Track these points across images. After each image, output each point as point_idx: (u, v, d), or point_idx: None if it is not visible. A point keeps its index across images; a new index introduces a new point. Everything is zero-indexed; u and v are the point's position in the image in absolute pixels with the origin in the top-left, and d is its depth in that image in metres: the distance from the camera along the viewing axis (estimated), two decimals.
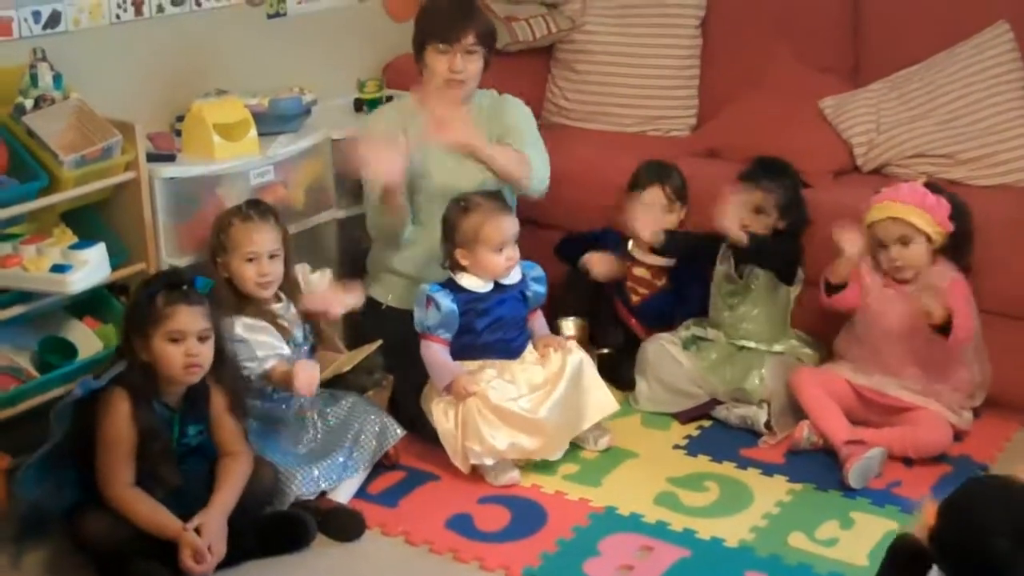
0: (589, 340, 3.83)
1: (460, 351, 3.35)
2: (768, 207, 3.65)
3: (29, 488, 2.83)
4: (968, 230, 3.45)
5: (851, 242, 3.44)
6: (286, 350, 3.21)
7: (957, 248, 3.44)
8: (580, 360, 3.42)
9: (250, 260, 3.21)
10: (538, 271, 3.47)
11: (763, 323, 3.72)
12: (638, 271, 3.89)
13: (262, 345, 3.17)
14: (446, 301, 3.28)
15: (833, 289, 3.52)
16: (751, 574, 2.90)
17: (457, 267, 3.36)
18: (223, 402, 2.98)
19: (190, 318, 2.84)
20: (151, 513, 2.81)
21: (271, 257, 3.23)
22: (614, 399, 3.48)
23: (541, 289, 3.46)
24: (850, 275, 3.50)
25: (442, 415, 3.29)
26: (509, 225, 3.35)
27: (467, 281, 3.35)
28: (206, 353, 2.88)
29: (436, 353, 3.31)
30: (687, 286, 3.85)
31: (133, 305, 2.93)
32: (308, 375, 3.11)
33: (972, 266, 3.47)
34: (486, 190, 3.46)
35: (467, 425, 3.24)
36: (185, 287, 2.88)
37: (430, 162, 3.60)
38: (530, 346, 3.44)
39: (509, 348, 3.39)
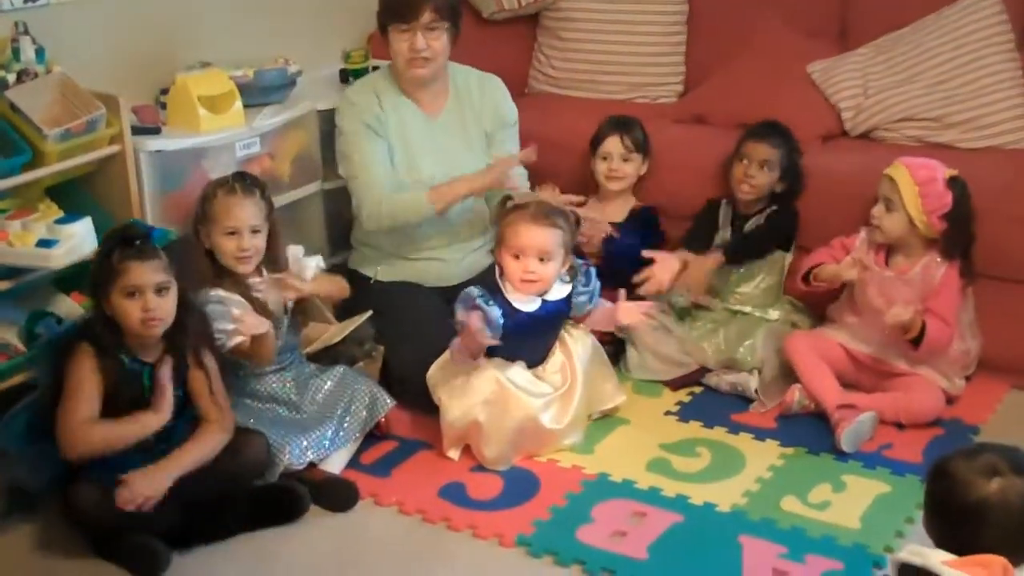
0: None
1: (488, 349, 3.24)
2: (774, 163, 3.70)
3: (11, 439, 2.85)
4: (964, 235, 3.38)
5: (849, 267, 3.46)
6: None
7: (948, 249, 3.39)
8: (591, 347, 3.39)
9: (231, 234, 3.18)
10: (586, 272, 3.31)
11: (760, 288, 3.73)
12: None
13: (232, 320, 3.13)
14: (494, 311, 3.14)
15: (811, 280, 3.55)
16: (744, 538, 2.90)
17: (503, 273, 3.26)
18: (192, 355, 2.97)
19: (144, 272, 2.83)
20: (115, 428, 2.81)
21: (253, 232, 3.20)
22: (622, 391, 3.50)
23: (588, 288, 3.29)
24: (832, 254, 3.55)
25: (450, 405, 3.23)
26: (531, 235, 3.18)
27: (515, 297, 3.22)
28: (165, 306, 2.86)
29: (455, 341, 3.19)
30: (639, 235, 3.85)
31: (94, 262, 2.93)
32: (252, 317, 3.03)
33: (972, 270, 3.42)
34: (556, 208, 3.29)
35: (480, 432, 3.20)
36: (139, 241, 2.86)
37: (412, 147, 3.60)
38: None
39: (537, 355, 3.31)
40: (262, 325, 3.05)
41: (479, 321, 3.08)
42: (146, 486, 2.77)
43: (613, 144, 3.88)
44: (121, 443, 2.81)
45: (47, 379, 2.89)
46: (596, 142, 3.91)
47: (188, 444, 2.90)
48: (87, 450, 2.80)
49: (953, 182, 3.37)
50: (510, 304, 3.21)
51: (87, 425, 2.81)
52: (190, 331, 2.96)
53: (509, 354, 3.25)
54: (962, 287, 3.43)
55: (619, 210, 3.91)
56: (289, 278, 3.24)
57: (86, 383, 2.83)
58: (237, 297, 3.14)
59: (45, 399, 2.88)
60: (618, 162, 3.88)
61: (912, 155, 3.51)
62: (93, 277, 2.90)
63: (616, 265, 3.71)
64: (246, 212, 3.19)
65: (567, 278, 3.28)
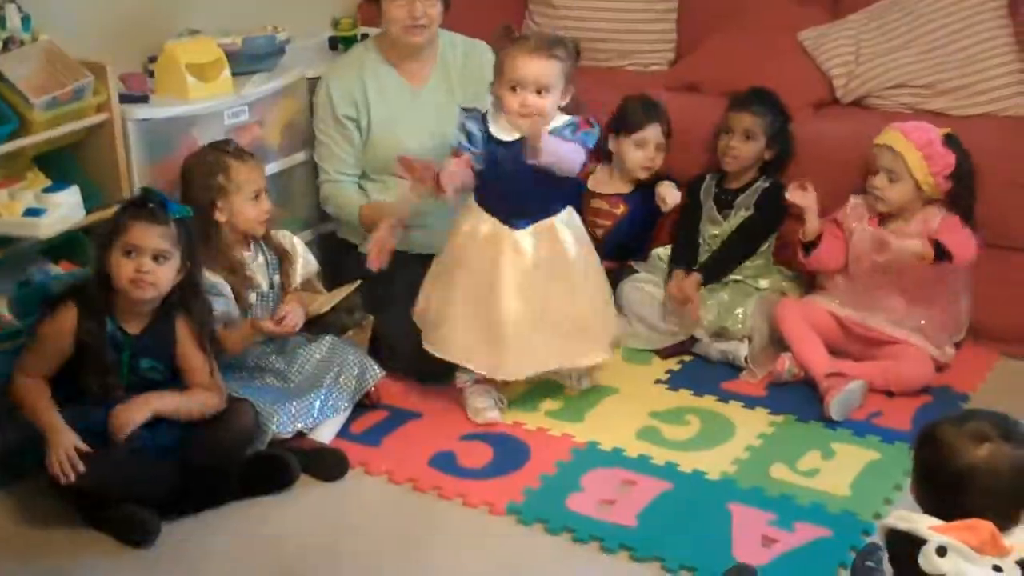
0: None
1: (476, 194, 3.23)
2: (757, 132, 3.66)
3: None
4: (969, 192, 3.39)
5: (802, 197, 3.46)
6: (234, 313, 3.19)
7: (955, 206, 3.40)
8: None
9: (256, 198, 3.20)
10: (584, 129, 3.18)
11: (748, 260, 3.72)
12: (596, 203, 3.87)
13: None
14: (474, 126, 3.13)
15: (809, 248, 3.52)
16: (733, 506, 2.91)
17: (499, 106, 3.17)
18: (189, 336, 2.97)
19: (146, 234, 2.83)
20: (37, 404, 2.82)
21: (265, 193, 3.24)
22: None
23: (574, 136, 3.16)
24: (823, 230, 3.50)
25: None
26: (529, 66, 3.07)
27: (495, 127, 3.16)
28: (160, 274, 2.86)
29: (455, 166, 3.13)
30: (645, 209, 3.84)
31: (108, 218, 2.95)
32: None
33: (975, 225, 3.42)
34: (556, 36, 3.24)
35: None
36: (152, 205, 2.87)
37: (397, 124, 3.59)
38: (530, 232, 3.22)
39: (516, 207, 3.20)
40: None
41: (460, 164, 3.11)
42: (125, 415, 2.79)
43: (653, 133, 3.79)
44: (32, 420, 2.81)
45: (29, 327, 2.91)
46: (627, 125, 3.80)
47: (177, 392, 2.92)
48: (16, 403, 2.84)
49: (950, 140, 3.38)
50: (490, 133, 3.14)
51: (31, 382, 2.84)
52: (193, 312, 2.96)
53: (487, 197, 3.21)
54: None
55: (628, 181, 3.89)
56: (306, 303, 3.28)
57: (51, 342, 2.86)
58: (221, 282, 3.14)
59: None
60: (654, 151, 3.81)
61: (904, 122, 3.50)
62: (101, 232, 2.92)
63: (628, 232, 3.78)
64: (260, 174, 3.25)
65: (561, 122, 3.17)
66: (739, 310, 3.60)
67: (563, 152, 3.11)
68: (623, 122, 3.84)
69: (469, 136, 3.15)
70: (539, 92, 3.09)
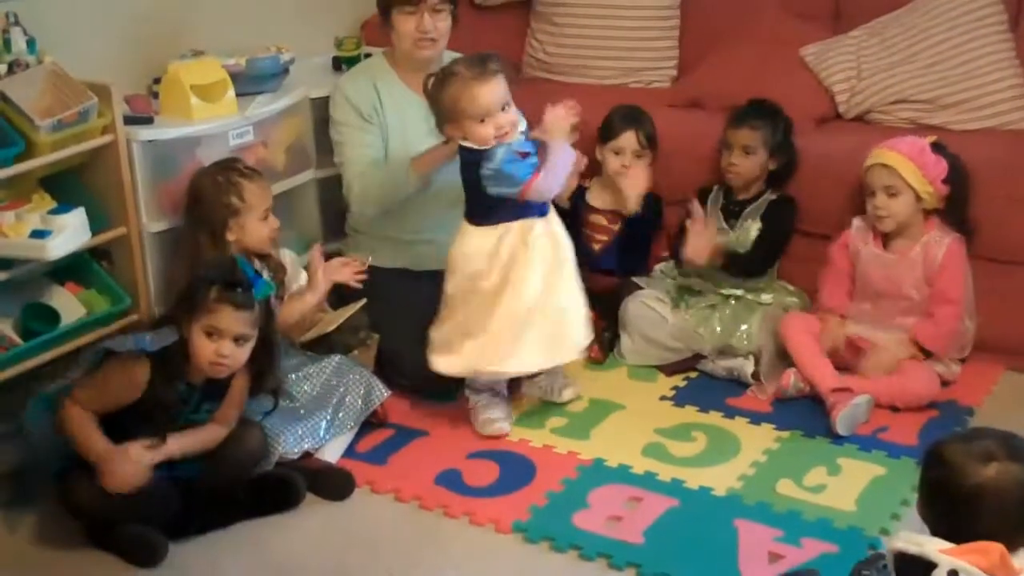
0: None
1: (486, 214, 3.23)
2: (756, 146, 3.67)
3: (35, 418, 2.87)
4: (964, 195, 3.43)
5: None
6: None
7: (952, 212, 3.44)
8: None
9: (265, 217, 3.22)
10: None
11: None
12: (595, 218, 3.88)
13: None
14: (505, 149, 3.14)
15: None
16: (740, 522, 2.91)
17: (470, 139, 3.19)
18: (243, 389, 2.95)
19: (232, 320, 2.80)
20: (91, 434, 2.79)
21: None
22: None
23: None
24: (827, 265, 3.58)
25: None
26: (487, 93, 3.12)
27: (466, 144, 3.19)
28: (238, 356, 2.84)
29: (537, 179, 3.15)
30: (644, 226, 3.85)
31: (190, 284, 2.88)
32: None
33: (972, 229, 3.46)
34: (476, 54, 3.25)
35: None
36: (240, 289, 2.83)
37: (409, 133, 3.60)
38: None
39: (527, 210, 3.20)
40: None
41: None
42: (133, 471, 2.77)
43: (628, 140, 3.81)
44: (78, 447, 2.79)
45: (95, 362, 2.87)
46: (608, 134, 3.83)
47: (190, 433, 2.90)
48: (61, 427, 2.81)
49: (936, 147, 3.41)
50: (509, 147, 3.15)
51: (81, 413, 2.80)
52: (265, 379, 2.98)
53: (497, 213, 3.21)
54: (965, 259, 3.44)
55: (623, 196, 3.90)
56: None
57: (117, 390, 2.81)
58: None
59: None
60: (631, 158, 3.82)
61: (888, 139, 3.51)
62: (183, 296, 2.88)
63: (626, 247, 3.80)
64: (269, 192, 3.27)
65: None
66: (744, 326, 3.60)
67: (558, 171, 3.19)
68: (603, 132, 3.87)
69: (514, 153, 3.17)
70: (504, 109, 3.15)
